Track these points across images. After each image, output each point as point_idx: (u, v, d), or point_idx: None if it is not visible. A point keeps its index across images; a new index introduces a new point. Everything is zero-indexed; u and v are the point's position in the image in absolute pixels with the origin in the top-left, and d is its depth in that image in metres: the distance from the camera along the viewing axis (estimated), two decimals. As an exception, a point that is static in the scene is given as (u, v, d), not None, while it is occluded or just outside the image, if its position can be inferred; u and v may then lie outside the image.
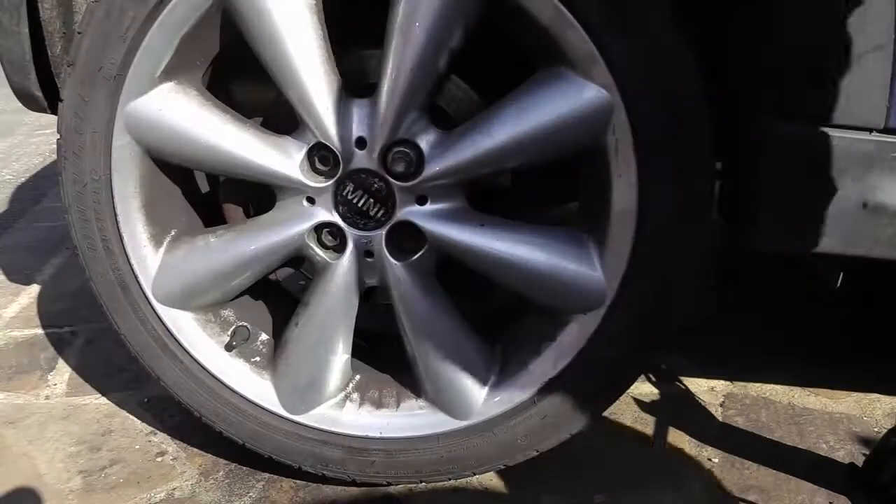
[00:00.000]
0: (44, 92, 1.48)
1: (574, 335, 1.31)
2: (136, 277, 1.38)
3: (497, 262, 1.28)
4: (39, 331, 2.12)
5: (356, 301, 1.36)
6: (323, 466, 1.45)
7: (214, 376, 1.42)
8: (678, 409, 1.75)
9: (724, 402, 1.76)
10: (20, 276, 2.44)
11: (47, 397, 1.84)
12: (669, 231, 1.23)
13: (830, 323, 2.08)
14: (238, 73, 1.43)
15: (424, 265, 1.31)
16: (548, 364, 1.33)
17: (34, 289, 2.36)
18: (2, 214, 2.97)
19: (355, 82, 1.30)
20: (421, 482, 1.45)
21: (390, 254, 1.30)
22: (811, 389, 1.80)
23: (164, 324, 1.40)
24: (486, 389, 1.37)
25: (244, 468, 1.58)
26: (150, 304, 1.39)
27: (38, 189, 3.20)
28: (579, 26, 1.13)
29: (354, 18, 1.29)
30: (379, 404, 1.42)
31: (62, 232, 2.67)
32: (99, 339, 2.06)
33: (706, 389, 1.81)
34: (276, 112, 1.39)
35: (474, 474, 1.43)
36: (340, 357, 1.39)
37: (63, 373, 1.93)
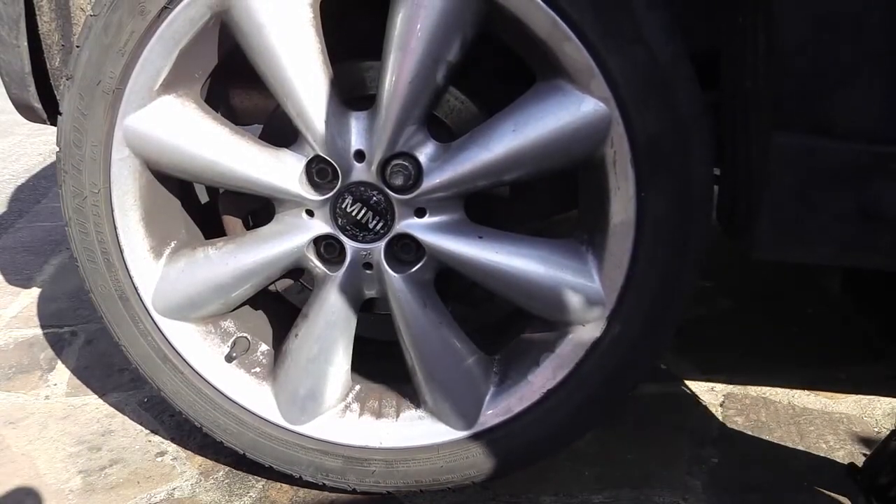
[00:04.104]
0: (43, 104, 1.48)
1: (573, 346, 1.31)
2: (136, 289, 1.38)
3: (496, 274, 1.28)
4: (39, 331, 2.13)
5: (355, 312, 1.37)
6: (323, 476, 1.45)
7: (214, 387, 1.42)
8: (678, 409, 1.75)
9: (724, 402, 1.76)
10: (20, 276, 2.44)
11: (47, 397, 1.85)
12: (667, 242, 1.23)
13: (830, 323, 2.08)
14: (236, 85, 1.42)
15: (423, 277, 1.31)
16: (547, 375, 1.33)
17: (34, 289, 2.36)
18: (2, 214, 2.97)
19: (353, 95, 1.30)
20: (420, 491, 1.46)
21: (389, 266, 1.30)
22: (811, 389, 1.80)
23: (164, 335, 1.40)
24: (485, 400, 1.37)
25: (244, 468, 1.59)
26: (150, 315, 1.40)
27: (38, 189, 3.20)
28: (576, 39, 1.13)
29: (353, 30, 1.29)
30: (379, 414, 1.42)
31: (62, 232, 2.66)
32: (99, 339, 2.06)
33: (706, 389, 1.81)
34: (275, 124, 1.39)
35: (473, 483, 1.43)
36: (340, 368, 1.39)
37: (63, 373, 1.94)
